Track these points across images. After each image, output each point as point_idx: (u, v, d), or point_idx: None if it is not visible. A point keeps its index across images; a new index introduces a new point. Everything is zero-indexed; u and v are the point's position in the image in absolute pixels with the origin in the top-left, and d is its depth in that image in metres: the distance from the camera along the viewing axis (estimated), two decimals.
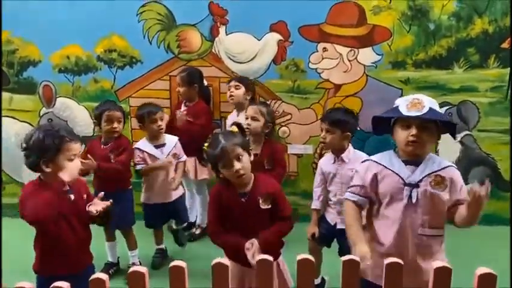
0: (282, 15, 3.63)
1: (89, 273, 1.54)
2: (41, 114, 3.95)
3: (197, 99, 3.47)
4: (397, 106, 1.80)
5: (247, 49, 3.72)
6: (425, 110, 1.72)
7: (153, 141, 3.02)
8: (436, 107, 1.79)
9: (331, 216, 2.62)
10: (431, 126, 1.77)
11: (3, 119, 3.96)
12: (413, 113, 1.73)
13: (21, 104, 3.95)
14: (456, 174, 1.80)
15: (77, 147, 1.97)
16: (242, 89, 3.28)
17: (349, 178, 2.48)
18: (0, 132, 3.76)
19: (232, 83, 3.31)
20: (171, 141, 3.07)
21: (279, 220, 2.05)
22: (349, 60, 3.67)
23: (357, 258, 1.36)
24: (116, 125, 2.87)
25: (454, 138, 1.82)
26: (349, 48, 3.65)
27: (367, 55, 3.65)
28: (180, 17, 3.72)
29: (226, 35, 3.71)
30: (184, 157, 3.15)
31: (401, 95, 3.62)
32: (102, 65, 3.84)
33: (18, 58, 3.87)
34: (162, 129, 2.99)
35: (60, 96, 3.91)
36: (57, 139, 1.90)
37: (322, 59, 3.68)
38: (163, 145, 3.03)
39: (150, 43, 3.75)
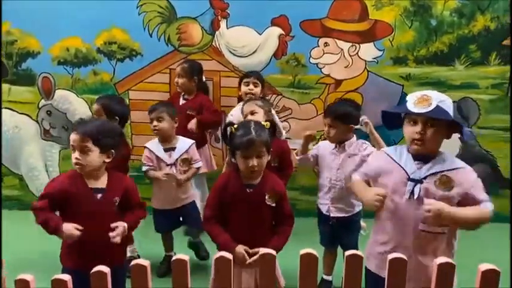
0: (283, 9, 3.61)
1: (116, 273, 1.52)
2: (40, 106, 3.93)
3: (195, 93, 3.44)
4: (406, 101, 1.78)
5: (248, 43, 3.70)
6: (431, 107, 1.69)
7: (163, 143, 2.87)
8: (446, 105, 1.73)
9: (325, 207, 2.62)
10: (439, 124, 1.73)
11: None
12: (419, 110, 1.71)
13: (20, 96, 3.92)
14: (467, 177, 1.76)
15: (73, 138, 1.96)
16: (259, 87, 3.22)
17: (345, 164, 2.53)
18: (0, 127, 3.75)
19: (252, 80, 3.21)
20: (183, 145, 2.89)
21: (283, 219, 2.09)
22: (351, 56, 3.66)
23: (360, 253, 1.36)
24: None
25: (463, 137, 1.78)
26: (351, 44, 3.64)
27: (368, 50, 3.64)
28: (180, 9, 3.69)
29: (227, 28, 3.69)
30: (198, 164, 2.97)
31: (402, 91, 3.63)
32: (102, 58, 3.81)
33: (17, 49, 3.83)
34: (156, 130, 2.82)
35: (59, 88, 3.88)
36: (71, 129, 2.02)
37: (323, 54, 3.67)
38: (173, 149, 2.86)
39: (151, 36, 3.73)
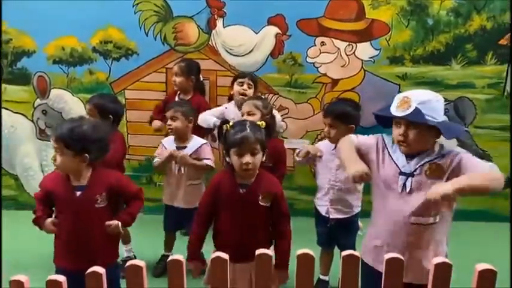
0: (280, 8, 3.59)
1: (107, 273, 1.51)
2: (35, 106, 3.90)
3: (192, 93, 3.42)
4: (391, 103, 1.80)
5: (244, 42, 3.69)
6: (410, 110, 1.70)
7: (178, 141, 2.90)
8: (427, 106, 1.70)
9: (324, 209, 2.61)
10: (421, 125, 1.71)
11: None
12: (399, 113, 1.73)
13: (15, 95, 3.89)
14: (459, 158, 1.73)
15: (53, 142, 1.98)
16: (253, 89, 3.20)
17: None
18: (0, 127, 3.72)
19: (246, 81, 3.19)
20: (194, 145, 2.90)
21: (281, 219, 2.08)
22: (347, 55, 3.65)
23: (357, 253, 1.35)
24: None
25: (446, 138, 1.77)
26: (347, 43, 3.63)
27: (365, 50, 3.63)
28: (177, 8, 3.67)
29: (224, 27, 3.67)
30: (208, 161, 2.87)
31: (399, 91, 3.62)
32: (98, 57, 3.78)
33: (12, 48, 3.80)
34: (170, 129, 2.87)
35: (54, 88, 3.86)
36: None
37: (320, 53, 3.66)
38: (184, 148, 2.87)
39: (147, 35, 3.71)
